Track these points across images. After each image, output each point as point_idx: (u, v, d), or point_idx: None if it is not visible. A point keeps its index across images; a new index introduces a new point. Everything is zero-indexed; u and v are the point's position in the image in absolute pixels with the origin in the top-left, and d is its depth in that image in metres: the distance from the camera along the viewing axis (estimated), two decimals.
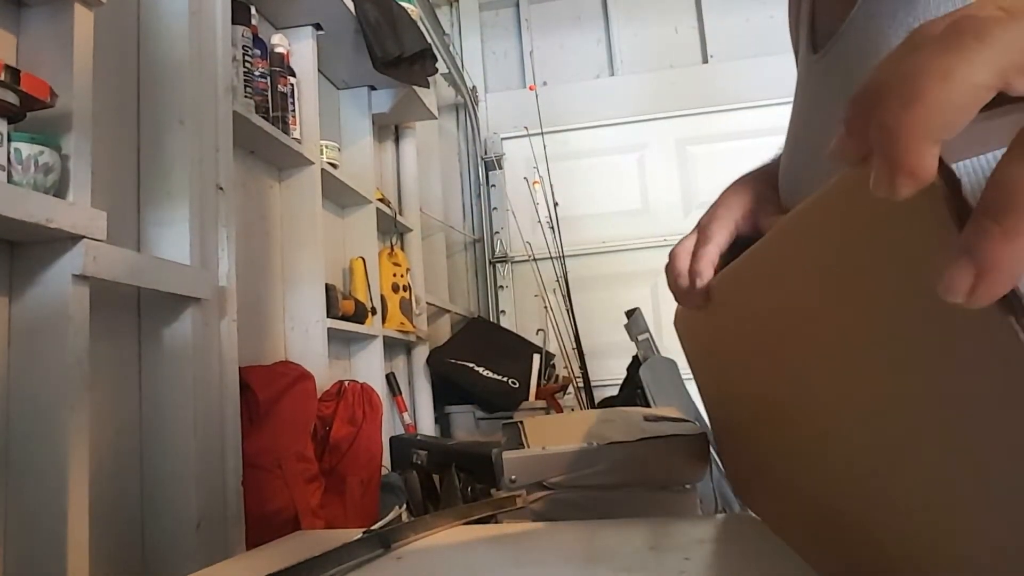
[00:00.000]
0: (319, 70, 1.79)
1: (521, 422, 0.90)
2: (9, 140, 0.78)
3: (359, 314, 1.83)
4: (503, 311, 3.24)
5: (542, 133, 2.93)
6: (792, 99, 0.63)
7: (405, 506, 0.74)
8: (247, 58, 1.41)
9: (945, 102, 0.21)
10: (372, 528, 0.63)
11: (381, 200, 2.12)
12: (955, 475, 0.26)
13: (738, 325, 0.48)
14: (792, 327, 0.38)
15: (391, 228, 2.31)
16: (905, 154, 0.22)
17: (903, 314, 0.27)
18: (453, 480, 1.23)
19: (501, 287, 3.28)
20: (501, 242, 3.29)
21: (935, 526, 0.29)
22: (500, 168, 3.33)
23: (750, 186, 0.62)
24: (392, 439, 1.74)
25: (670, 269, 0.56)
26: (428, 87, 2.21)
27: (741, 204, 0.59)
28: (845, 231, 0.30)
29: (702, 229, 0.57)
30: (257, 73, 1.45)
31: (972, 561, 0.27)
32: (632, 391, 2.20)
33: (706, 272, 0.53)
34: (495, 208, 3.33)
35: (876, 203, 0.23)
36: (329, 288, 1.68)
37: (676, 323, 0.64)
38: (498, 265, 3.29)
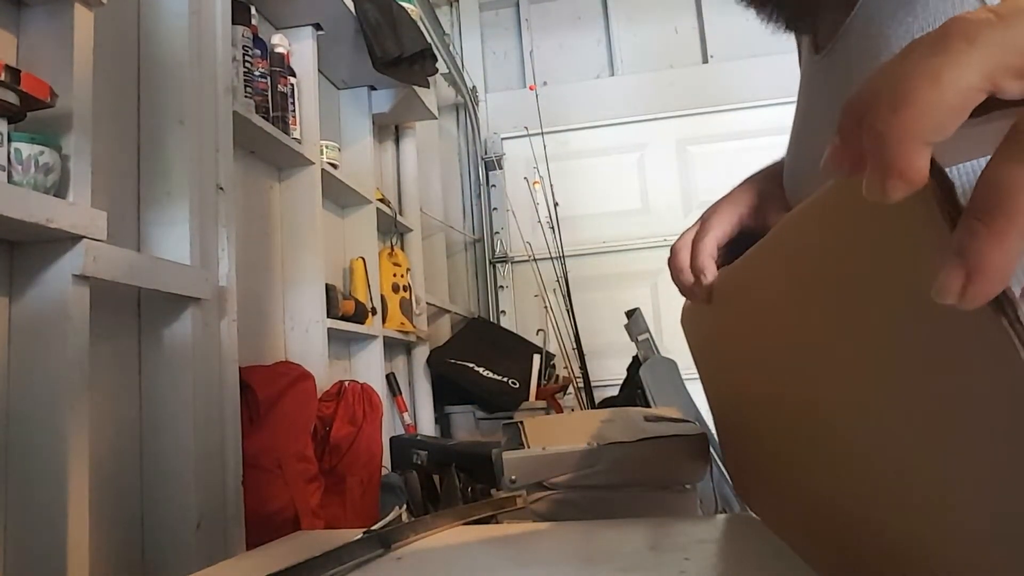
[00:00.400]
0: (319, 70, 1.79)
1: (521, 422, 0.90)
2: (9, 140, 0.78)
3: (359, 314, 1.83)
4: (503, 311, 3.24)
5: (542, 133, 2.93)
6: (794, 99, 0.63)
7: (405, 506, 0.74)
8: (247, 58, 1.41)
9: (934, 104, 0.21)
10: (372, 528, 0.63)
11: (381, 200, 2.12)
12: (953, 474, 0.26)
13: (741, 323, 0.48)
14: (793, 326, 0.38)
15: (391, 228, 2.31)
16: (896, 157, 0.22)
17: (900, 315, 0.27)
18: (453, 480, 1.23)
19: (501, 287, 3.27)
20: (501, 242, 3.29)
21: (934, 525, 0.29)
22: (500, 168, 3.33)
23: (757, 183, 0.63)
24: (392, 439, 1.74)
25: (672, 264, 0.56)
26: (428, 87, 2.21)
27: (746, 199, 0.60)
28: (843, 233, 0.30)
29: (703, 221, 0.58)
30: (257, 73, 1.45)
31: (971, 560, 0.27)
32: (632, 391, 2.20)
33: (707, 267, 0.53)
34: (495, 208, 3.33)
35: (872, 205, 0.23)
36: (329, 288, 1.68)
37: (682, 321, 0.64)
38: (498, 265, 3.29)
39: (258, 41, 1.47)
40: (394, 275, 2.13)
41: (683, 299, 0.62)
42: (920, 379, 0.27)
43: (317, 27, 1.73)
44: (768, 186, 0.62)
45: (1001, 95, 0.21)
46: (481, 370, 2.41)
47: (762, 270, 0.42)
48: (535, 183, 2.92)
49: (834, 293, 0.32)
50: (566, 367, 2.63)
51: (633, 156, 3.24)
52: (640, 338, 2.22)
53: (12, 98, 0.76)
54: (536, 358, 2.54)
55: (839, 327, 0.32)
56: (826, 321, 0.33)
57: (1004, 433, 0.23)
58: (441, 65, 2.59)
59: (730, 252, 0.56)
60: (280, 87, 1.54)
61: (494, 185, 3.33)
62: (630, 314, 2.29)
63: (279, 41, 1.57)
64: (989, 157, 0.21)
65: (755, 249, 0.42)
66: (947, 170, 0.23)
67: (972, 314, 0.21)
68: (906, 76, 0.22)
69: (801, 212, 0.34)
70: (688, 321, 0.63)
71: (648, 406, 2.02)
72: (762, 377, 0.46)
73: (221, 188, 1.15)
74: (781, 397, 0.43)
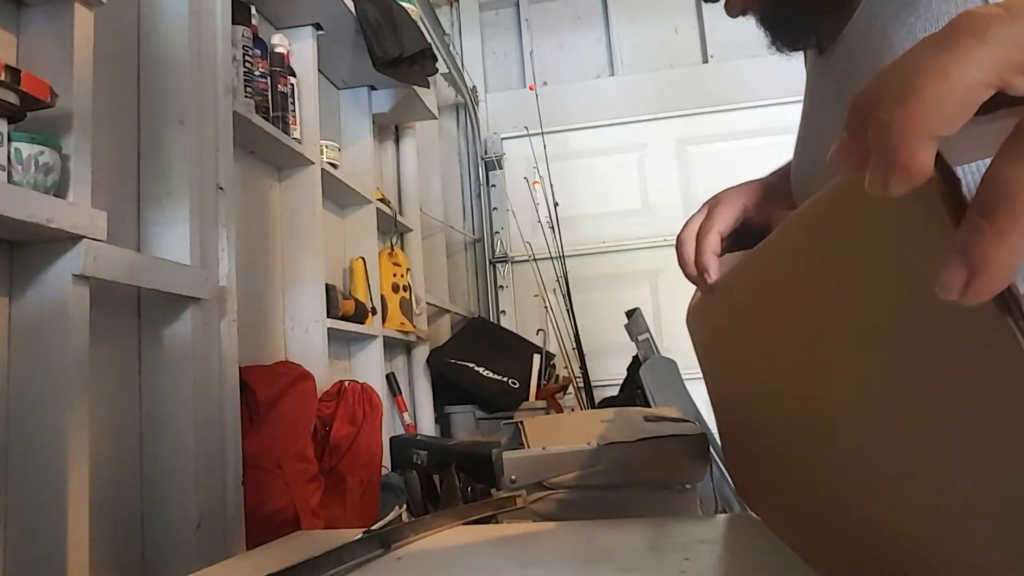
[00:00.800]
0: (319, 70, 1.79)
1: (521, 422, 0.90)
2: (9, 140, 0.78)
3: (359, 314, 1.83)
4: (503, 311, 3.24)
5: (542, 133, 2.93)
6: (793, 98, 0.64)
7: (405, 506, 0.74)
8: (247, 58, 1.41)
9: (941, 98, 0.21)
10: (372, 528, 0.63)
11: (381, 200, 2.12)
12: (956, 473, 0.26)
13: (746, 321, 0.48)
14: (798, 324, 0.38)
15: (391, 228, 2.31)
16: (899, 150, 0.21)
17: (905, 313, 0.27)
18: (453, 480, 1.23)
19: (501, 287, 3.27)
20: (501, 242, 3.29)
21: (937, 524, 0.29)
22: (500, 168, 3.33)
23: (766, 178, 0.63)
24: (392, 439, 1.74)
25: (678, 254, 0.58)
26: (428, 87, 2.21)
27: (753, 191, 0.61)
28: (848, 229, 0.30)
29: (709, 211, 0.59)
30: (257, 73, 1.45)
31: (971, 559, 0.27)
32: (632, 391, 2.20)
33: (711, 265, 0.54)
34: (495, 208, 3.33)
35: (877, 201, 0.23)
36: (329, 288, 1.68)
37: (688, 320, 0.64)
38: (498, 265, 3.29)
39: (258, 41, 1.47)
40: (394, 275, 2.13)
41: (684, 300, 0.62)
42: (924, 377, 0.27)
43: (317, 27, 1.73)
44: (777, 180, 0.63)
45: (1009, 91, 0.21)
46: (481, 370, 2.41)
47: (767, 268, 0.42)
48: (535, 183, 2.92)
49: (839, 290, 0.32)
50: (566, 367, 2.63)
51: (633, 156, 3.24)
52: (640, 338, 2.22)
53: (12, 98, 0.76)
54: (536, 358, 2.54)
55: (844, 324, 0.32)
56: (831, 318, 0.33)
57: (1008, 432, 0.23)
58: (441, 65, 2.59)
59: (734, 242, 0.57)
60: (280, 87, 1.54)
61: (494, 185, 3.33)
62: (630, 314, 2.29)
63: (279, 41, 1.57)
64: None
65: (761, 246, 0.42)
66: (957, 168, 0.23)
67: (977, 313, 0.21)
68: (914, 70, 0.22)
69: (807, 209, 0.34)
70: (694, 321, 0.63)
71: (648, 406, 2.02)
72: (766, 375, 0.46)
73: (221, 188, 1.15)
74: (785, 395, 0.43)
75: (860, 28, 0.51)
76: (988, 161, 0.21)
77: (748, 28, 0.62)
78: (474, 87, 3.38)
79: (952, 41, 0.21)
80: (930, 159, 0.22)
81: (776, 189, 0.61)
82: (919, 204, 0.23)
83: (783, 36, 0.58)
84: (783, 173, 0.65)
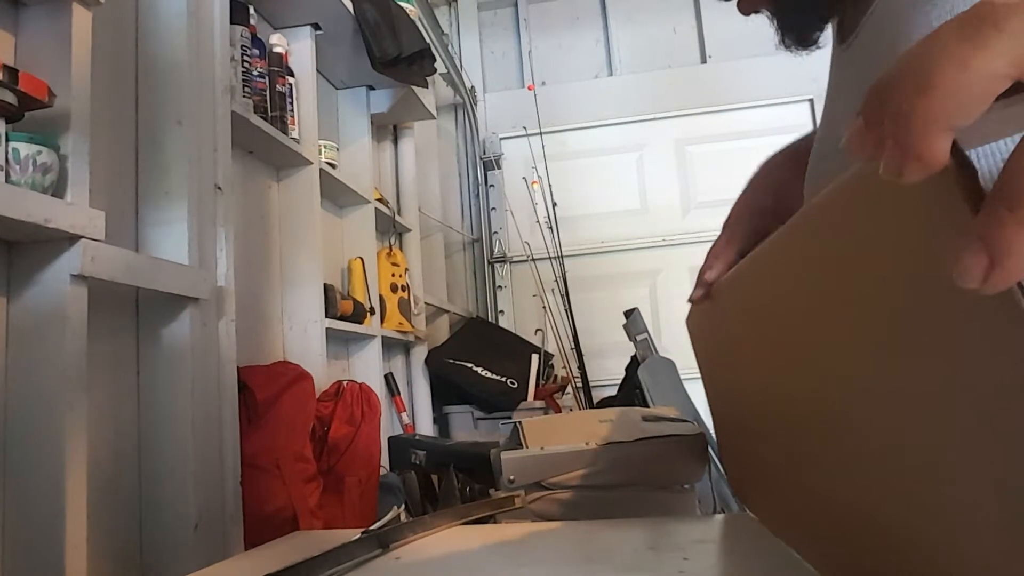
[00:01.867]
0: (317, 70, 1.78)
1: (520, 422, 0.90)
2: (7, 140, 0.78)
3: (357, 314, 1.83)
4: (502, 311, 3.24)
5: (541, 133, 2.93)
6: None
7: (403, 506, 0.74)
8: (245, 58, 1.41)
9: (960, 89, 0.21)
10: (371, 528, 0.63)
11: (379, 200, 2.12)
12: (967, 473, 0.26)
13: (750, 321, 0.48)
14: (807, 320, 0.37)
15: (389, 228, 2.31)
16: (916, 139, 0.22)
17: (919, 306, 0.26)
18: (452, 480, 1.23)
19: (500, 287, 3.27)
20: (500, 242, 3.29)
21: (944, 525, 0.29)
22: (499, 168, 3.33)
23: (774, 174, 0.65)
24: (391, 439, 1.74)
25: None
26: (427, 87, 2.21)
27: (762, 196, 0.62)
28: (861, 221, 0.29)
29: (724, 231, 0.62)
30: (255, 73, 1.45)
31: (975, 561, 0.27)
32: (631, 391, 2.20)
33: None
34: (494, 208, 3.33)
35: (892, 191, 0.23)
36: (328, 288, 1.67)
37: (688, 322, 0.64)
38: (497, 265, 3.29)
39: (256, 41, 1.47)
40: (392, 275, 2.12)
41: (682, 300, 0.63)
42: (934, 373, 0.26)
43: (316, 27, 1.73)
44: (786, 174, 0.64)
45: None
46: (479, 370, 2.40)
47: (773, 265, 0.41)
48: (534, 183, 2.92)
49: (850, 284, 0.31)
50: (564, 367, 2.63)
51: (632, 156, 3.24)
52: (639, 338, 2.22)
53: (10, 98, 0.76)
54: (534, 358, 2.54)
55: (854, 319, 0.31)
56: (841, 313, 0.33)
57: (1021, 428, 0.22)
58: (440, 65, 2.59)
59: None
60: (278, 87, 1.54)
61: (492, 185, 3.33)
62: (628, 314, 2.29)
63: (277, 41, 1.57)
64: (1007, 139, 0.21)
65: (765, 245, 0.42)
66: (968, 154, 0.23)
67: (994, 304, 0.21)
68: (933, 60, 0.22)
69: (816, 204, 0.33)
70: (695, 323, 0.63)
71: (647, 406, 2.02)
72: (769, 374, 0.46)
73: (219, 188, 1.15)
74: (787, 394, 0.43)
75: (878, 18, 0.51)
76: (998, 145, 0.21)
77: (747, 28, 0.62)
78: (473, 87, 3.38)
79: (973, 30, 0.21)
80: (946, 148, 0.22)
81: (789, 191, 0.62)
82: (935, 193, 0.23)
83: (793, 34, 0.59)
84: (793, 153, 0.66)
